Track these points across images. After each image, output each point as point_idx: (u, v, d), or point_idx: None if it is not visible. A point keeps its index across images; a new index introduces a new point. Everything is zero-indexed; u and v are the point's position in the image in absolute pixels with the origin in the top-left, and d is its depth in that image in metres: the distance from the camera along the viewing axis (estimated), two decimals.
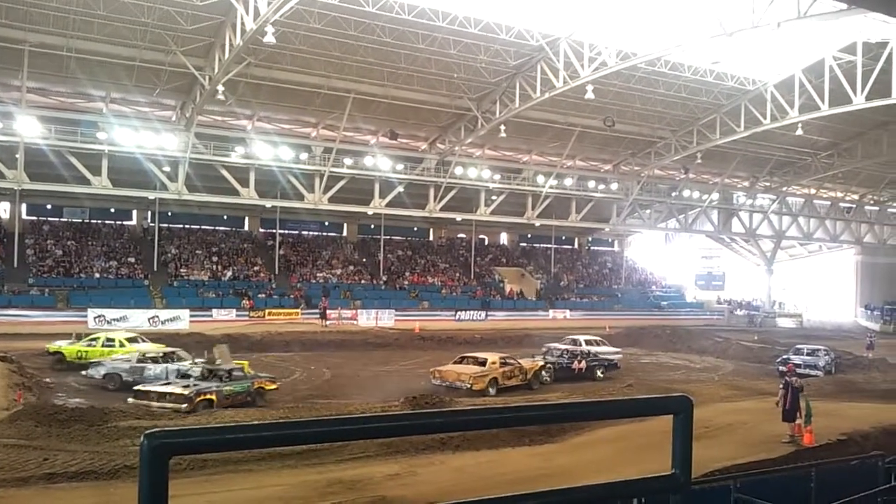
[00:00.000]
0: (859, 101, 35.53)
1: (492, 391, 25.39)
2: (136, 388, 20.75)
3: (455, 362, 26.60)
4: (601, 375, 29.92)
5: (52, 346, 29.31)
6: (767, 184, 62.67)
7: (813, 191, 65.74)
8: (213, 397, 20.13)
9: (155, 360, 25.30)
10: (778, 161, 57.85)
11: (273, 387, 22.77)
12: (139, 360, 25.16)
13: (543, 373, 28.22)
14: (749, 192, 64.03)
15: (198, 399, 19.68)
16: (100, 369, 24.89)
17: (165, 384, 20.85)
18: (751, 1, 28.45)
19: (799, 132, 43.87)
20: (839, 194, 68.08)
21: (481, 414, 2.43)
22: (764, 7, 28.01)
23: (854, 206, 70.02)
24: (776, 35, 30.13)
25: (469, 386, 24.76)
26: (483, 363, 26.04)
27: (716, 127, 46.77)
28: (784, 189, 63.54)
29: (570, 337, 36.05)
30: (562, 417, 3.11)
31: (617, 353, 34.01)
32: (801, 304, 68.96)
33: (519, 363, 27.33)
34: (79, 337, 30.10)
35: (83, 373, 25.23)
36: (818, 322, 64.10)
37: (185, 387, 20.29)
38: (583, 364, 29.59)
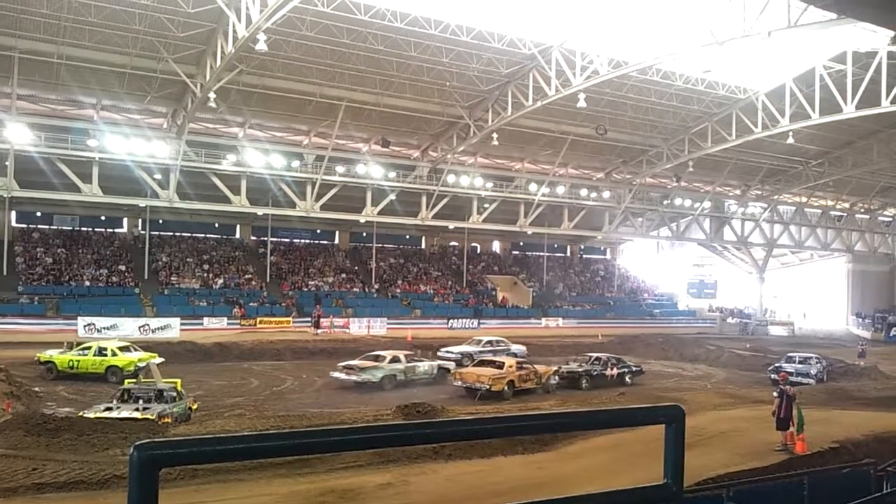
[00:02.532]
0: (849, 110, 35.77)
1: (508, 393, 26.51)
2: (79, 415, 19.21)
3: (474, 365, 28.11)
4: (629, 381, 30.98)
5: (42, 356, 28.93)
6: (759, 192, 62.96)
7: (804, 199, 66.08)
8: (169, 420, 19.16)
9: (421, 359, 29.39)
10: (769, 169, 58.13)
11: (195, 406, 21.63)
12: (409, 360, 28.72)
13: (554, 379, 29.34)
14: (741, 201, 64.28)
15: (161, 422, 18.74)
16: (376, 373, 27.30)
17: (108, 409, 19.32)
18: (742, 10, 28.59)
19: (790, 141, 44.06)
20: (830, 202, 68.45)
21: (473, 424, 2.41)
22: (755, 16, 28.16)
23: (845, 214, 70.40)
24: (767, 44, 30.28)
25: (488, 387, 25.82)
26: (501, 366, 27.33)
27: (707, 135, 46.96)
28: (775, 197, 63.81)
29: (482, 338, 37.59)
30: (553, 427, 3.09)
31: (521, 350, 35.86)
32: (794, 312, 69.15)
33: (534, 367, 28.67)
34: (70, 346, 29.70)
35: (356, 378, 26.96)
36: (810, 330, 64.32)
37: (146, 409, 19.29)
38: (615, 371, 30.81)
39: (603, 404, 22.84)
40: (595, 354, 32.59)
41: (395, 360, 28.44)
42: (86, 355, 28.34)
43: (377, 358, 28.52)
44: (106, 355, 28.17)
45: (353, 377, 27.33)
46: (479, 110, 44.12)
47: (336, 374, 28.05)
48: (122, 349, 28.94)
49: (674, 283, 71.49)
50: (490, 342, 36.26)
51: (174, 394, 20.65)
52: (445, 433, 2.63)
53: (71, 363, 28.13)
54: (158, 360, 28.68)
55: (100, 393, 23.80)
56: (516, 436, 12.75)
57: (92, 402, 21.44)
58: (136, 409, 19.34)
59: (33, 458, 14.62)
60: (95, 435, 16.46)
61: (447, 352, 35.09)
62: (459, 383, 27.01)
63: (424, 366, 29.40)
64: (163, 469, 1.81)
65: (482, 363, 28.29)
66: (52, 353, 28.90)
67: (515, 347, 36.17)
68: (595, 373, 30.29)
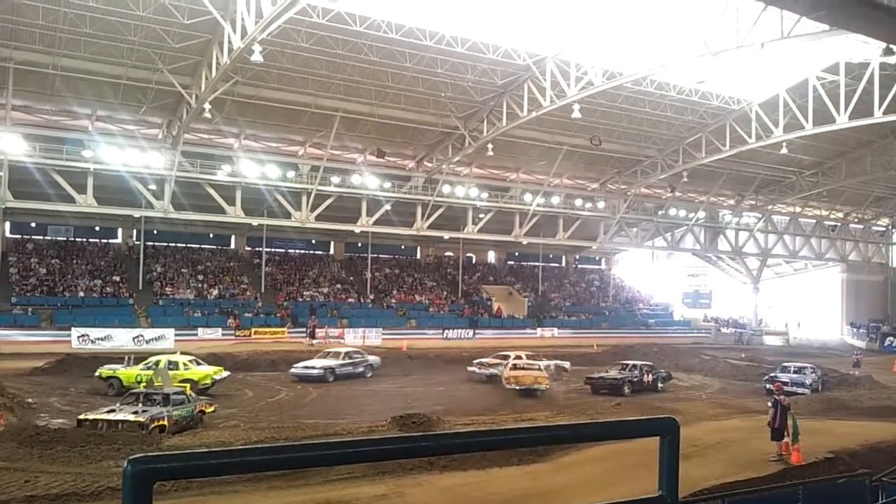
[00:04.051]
0: (842, 121, 35.96)
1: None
2: (80, 417, 19.53)
3: (513, 369, 30.79)
4: (661, 387, 33.08)
5: (104, 371, 27.87)
6: (753, 202, 63.10)
7: (798, 209, 66.21)
8: (165, 423, 19.22)
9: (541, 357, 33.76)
10: (763, 179, 58.31)
11: (211, 409, 21.90)
12: (528, 359, 33.07)
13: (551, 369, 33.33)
14: (735, 211, 64.43)
15: (152, 425, 18.78)
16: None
17: (110, 411, 19.45)
18: (735, 21, 28.72)
19: (784, 151, 44.26)
20: (824, 212, 68.64)
21: (469, 437, 2.41)
22: (748, 27, 28.30)
23: (839, 224, 70.59)
24: (760, 55, 30.45)
25: (545, 388, 29.36)
26: (540, 369, 30.84)
27: (701, 146, 47.12)
28: (769, 207, 63.94)
29: (340, 350, 36.09)
30: (548, 440, 3.09)
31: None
32: (789, 321, 69.13)
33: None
34: (130, 360, 28.75)
35: (492, 372, 32.14)
36: (805, 340, 64.33)
37: (144, 412, 19.33)
38: (650, 377, 32.85)
39: (599, 416, 22.80)
40: (631, 362, 34.32)
41: (518, 358, 33.21)
42: (154, 370, 26.93)
43: (504, 357, 33.54)
44: (178, 369, 26.99)
45: (490, 371, 32.77)
46: (474, 121, 44.23)
47: (472, 370, 33.75)
48: (191, 362, 28.20)
49: (669, 293, 71.59)
50: (348, 353, 35.42)
51: (181, 397, 20.86)
52: (441, 446, 2.62)
53: (139, 378, 26.79)
54: (225, 373, 29.01)
55: (93, 404, 23.64)
56: (511, 448, 12.73)
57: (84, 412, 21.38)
58: (135, 412, 19.40)
59: (26, 470, 14.52)
60: (89, 446, 16.38)
61: (307, 367, 32.55)
62: (515, 386, 29.31)
63: (541, 364, 33.18)
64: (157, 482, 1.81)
65: (522, 367, 31.17)
66: (116, 368, 27.94)
67: (372, 358, 35.91)
68: (635, 379, 31.91)
